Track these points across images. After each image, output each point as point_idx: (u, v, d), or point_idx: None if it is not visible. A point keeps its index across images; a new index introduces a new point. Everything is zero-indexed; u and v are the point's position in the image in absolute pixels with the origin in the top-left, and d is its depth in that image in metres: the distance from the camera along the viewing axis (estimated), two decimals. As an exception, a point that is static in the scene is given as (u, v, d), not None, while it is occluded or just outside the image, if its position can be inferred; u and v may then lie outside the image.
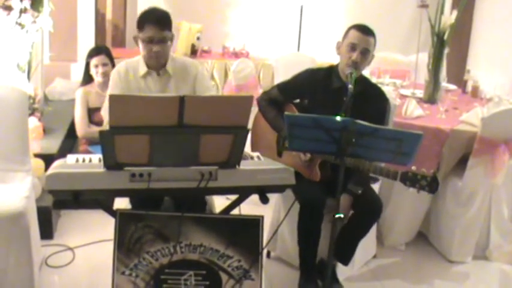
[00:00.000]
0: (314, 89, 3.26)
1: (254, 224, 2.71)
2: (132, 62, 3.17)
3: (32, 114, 4.16)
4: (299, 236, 3.21)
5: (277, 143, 3.33)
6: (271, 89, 3.45)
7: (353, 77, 2.97)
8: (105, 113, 3.24)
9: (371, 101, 3.21)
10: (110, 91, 3.18)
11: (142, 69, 3.12)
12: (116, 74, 3.15)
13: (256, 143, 3.49)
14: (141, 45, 3.05)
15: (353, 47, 3.11)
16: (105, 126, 3.10)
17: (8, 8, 3.99)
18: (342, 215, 2.61)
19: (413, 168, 2.73)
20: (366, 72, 3.33)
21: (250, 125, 2.56)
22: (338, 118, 2.52)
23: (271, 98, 3.37)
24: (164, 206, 3.08)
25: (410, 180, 2.72)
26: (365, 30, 3.13)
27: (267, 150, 3.32)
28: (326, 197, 3.15)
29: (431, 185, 2.68)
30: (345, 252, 3.24)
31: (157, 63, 3.10)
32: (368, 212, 3.16)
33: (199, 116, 2.40)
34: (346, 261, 3.27)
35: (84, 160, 2.59)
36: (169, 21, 3.06)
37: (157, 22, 2.99)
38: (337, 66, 3.25)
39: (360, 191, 3.13)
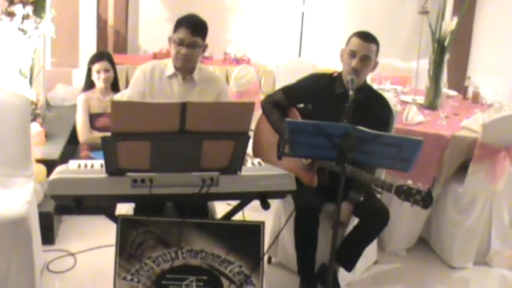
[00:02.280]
0: (318, 94, 3.27)
1: (255, 229, 2.71)
2: (160, 63, 3.25)
3: (33, 119, 4.18)
4: (296, 242, 3.22)
5: (278, 147, 3.34)
6: (275, 92, 3.46)
7: (354, 83, 2.98)
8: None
9: (374, 109, 3.22)
10: (130, 87, 3.25)
11: (170, 70, 3.18)
12: (141, 72, 3.22)
13: (258, 146, 3.50)
14: (172, 46, 3.13)
15: (353, 54, 3.12)
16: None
17: (11, 14, 4.02)
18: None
19: (409, 181, 2.74)
20: (367, 79, 3.34)
21: (252, 127, 2.57)
22: (339, 124, 2.53)
23: (276, 101, 3.38)
24: (167, 211, 3.08)
25: (405, 194, 2.73)
26: (366, 37, 3.14)
27: (268, 154, 3.33)
28: (322, 203, 3.16)
29: (425, 200, 2.69)
30: (349, 258, 3.24)
31: (184, 67, 3.15)
32: (375, 219, 3.16)
33: (200, 122, 2.42)
34: (349, 268, 3.27)
35: (86, 166, 2.60)
36: (204, 29, 3.13)
37: (190, 26, 3.06)
38: (341, 73, 3.27)
39: (361, 198, 3.14)
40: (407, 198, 2.73)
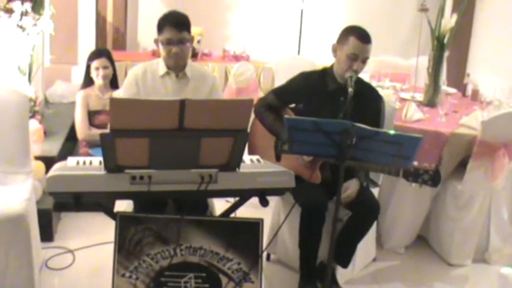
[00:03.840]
0: (309, 92, 3.26)
1: (254, 226, 2.71)
2: (151, 64, 3.23)
3: (32, 116, 4.17)
4: (300, 239, 3.21)
5: (275, 148, 3.33)
6: (266, 95, 3.45)
7: (353, 80, 2.98)
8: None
9: (367, 101, 3.21)
10: (122, 91, 3.25)
11: (162, 69, 3.18)
12: (133, 75, 3.20)
13: (254, 148, 3.49)
14: (161, 47, 3.12)
15: (354, 57, 3.10)
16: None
17: (9, 11, 4.01)
18: None
19: (415, 163, 2.73)
20: (365, 76, 3.34)
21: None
22: (338, 121, 2.53)
23: (268, 103, 3.36)
24: (169, 209, 3.08)
25: (413, 175, 2.72)
26: (364, 39, 3.10)
27: (264, 156, 3.32)
28: (328, 200, 3.15)
29: (434, 178, 2.68)
30: (343, 254, 3.25)
31: (176, 65, 3.15)
32: (366, 213, 3.16)
33: (199, 120, 2.41)
34: (345, 264, 3.28)
35: (84, 163, 2.59)
36: (188, 23, 3.14)
37: (175, 24, 3.06)
38: (331, 68, 3.25)
39: (365, 183, 3.13)
40: (415, 179, 2.72)
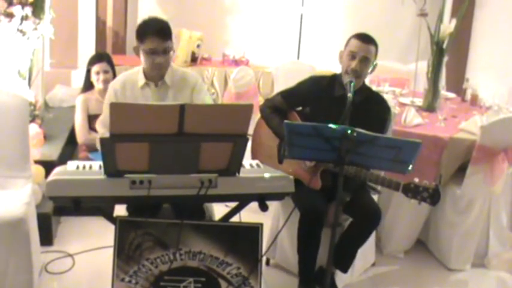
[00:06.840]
0: (317, 96, 3.27)
1: (253, 231, 2.71)
2: (130, 75, 3.16)
3: (32, 121, 4.17)
4: (299, 244, 3.21)
5: (279, 151, 3.34)
6: (274, 97, 3.45)
7: (352, 85, 2.99)
8: (99, 126, 3.25)
9: (373, 109, 3.23)
10: (104, 108, 3.18)
11: (141, 80, 3.12)
12: (112, 90, 3.15)
13: (257, 150, 3.50)
14: (143, 56, 3.04)
15: (353, 56, 3.13)
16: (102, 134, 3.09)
17: (10, 15, 4.02)
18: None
19: (416, 179, 2.74)
20: (365, 81, 3.35)
21: (251, 131, 2.56)
22: (337, 126, 2.53)
23: (275, 105, 3.37)
24: (163, 213, 3.08)
25: (412, 191, 2.72)
26: (365, 39, 3.15)
27: (267, 158, 3.33)
28: (327, 205, 3.16)
29: (433, 197, 2.68)
30: (344, 259, 3.25)
31: (159, 74, 3.09)
32: (367, 219, 3.16)
33: (199, 124, 2.42)
34: (345, 269, 3.28)
35: (84, 167, 2.60)
36: (171, 31, 3.05)
37: (159, 33, 2.97)
38: (340, 74, 3.27)
39: (348, 198, 3.14)
40: (415, 196, 2.73)
